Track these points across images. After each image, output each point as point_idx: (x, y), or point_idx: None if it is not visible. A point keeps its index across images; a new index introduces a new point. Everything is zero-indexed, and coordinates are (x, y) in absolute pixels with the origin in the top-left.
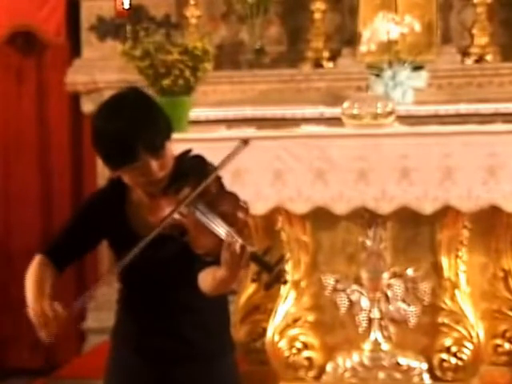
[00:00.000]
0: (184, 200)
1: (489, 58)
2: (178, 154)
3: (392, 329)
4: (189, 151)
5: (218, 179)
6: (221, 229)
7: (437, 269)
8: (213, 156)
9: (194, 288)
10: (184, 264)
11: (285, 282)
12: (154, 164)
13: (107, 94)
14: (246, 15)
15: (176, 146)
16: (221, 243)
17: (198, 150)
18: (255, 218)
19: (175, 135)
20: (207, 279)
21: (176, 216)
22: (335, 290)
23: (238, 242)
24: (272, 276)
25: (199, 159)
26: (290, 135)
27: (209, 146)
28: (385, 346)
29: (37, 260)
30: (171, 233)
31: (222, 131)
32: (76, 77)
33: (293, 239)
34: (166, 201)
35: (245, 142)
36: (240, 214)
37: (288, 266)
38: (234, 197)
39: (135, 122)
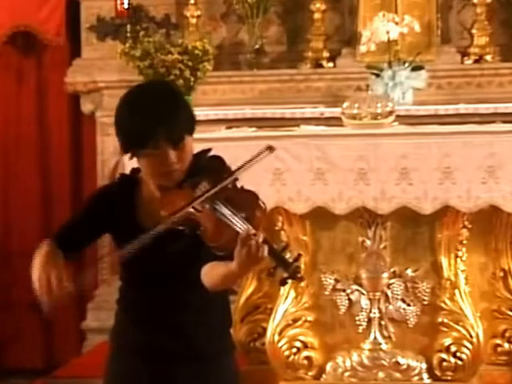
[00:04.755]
0: (200, 196)
1: (488, 58)
2: (196, 152)
3: (392, 328)
4: (208, 150)
5: (235, 179)
6: (239, 224)
7: (436, 268)
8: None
9: (197, 286)
10: (190, 261)
11: (301, 279)
12: (172, 154)
13: (107, 94)
14: (245, 15)
15: None
16: (237, 238)
17: (198, 149)
18: None
19: None
20: (214, 272)
21: (191, 210)
22: (335, 289)
23: (259, 236)
24: (289, 272)
25: (218, 159)
26: (289, 135)
27: (209, 146)
28: (384, 346)
29: (46, 243)
30: (183, 228)
31: (222, 131)
32: (76, 77)
33: (292, 239)
34: (180, 196)
35: (270, 148)
36: (258, 213)
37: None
38: (252, 195)
39: (159, 111)
